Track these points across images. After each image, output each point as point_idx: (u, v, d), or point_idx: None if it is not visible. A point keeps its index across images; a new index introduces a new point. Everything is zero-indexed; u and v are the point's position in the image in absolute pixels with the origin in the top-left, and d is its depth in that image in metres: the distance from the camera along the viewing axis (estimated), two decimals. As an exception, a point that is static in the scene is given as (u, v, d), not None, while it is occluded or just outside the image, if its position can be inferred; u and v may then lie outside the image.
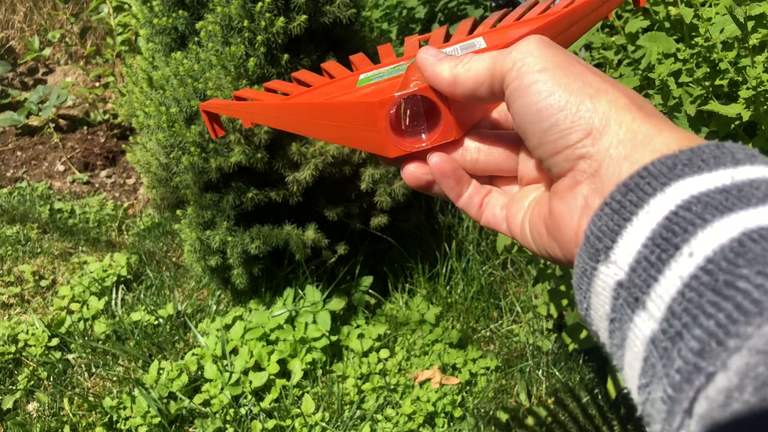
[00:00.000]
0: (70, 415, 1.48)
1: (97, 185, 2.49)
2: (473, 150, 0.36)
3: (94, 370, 1.61)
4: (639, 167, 0.25)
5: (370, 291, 1.73)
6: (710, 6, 1.10)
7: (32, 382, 1.57)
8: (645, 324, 0.23)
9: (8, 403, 1.51)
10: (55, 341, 1.67)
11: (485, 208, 0.36)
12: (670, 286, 0.22)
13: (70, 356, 1.65)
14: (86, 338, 1.70)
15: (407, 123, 0.35)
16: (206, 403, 1.47)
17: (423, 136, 0.35)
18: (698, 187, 0.24)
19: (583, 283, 0.27)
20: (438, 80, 0.33)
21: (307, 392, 1.50)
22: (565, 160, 0.29)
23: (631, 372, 0.24)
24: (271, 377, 1.50)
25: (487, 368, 1.55)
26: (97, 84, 2.92)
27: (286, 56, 1.40)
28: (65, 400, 1.51)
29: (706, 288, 0.21)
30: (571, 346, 1.46)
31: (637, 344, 0.23)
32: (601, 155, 0.27)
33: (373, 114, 0.35)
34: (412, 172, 0.36)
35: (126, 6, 2.59)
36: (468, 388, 1.51)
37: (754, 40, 0.94)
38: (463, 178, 0.36)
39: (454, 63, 0.33)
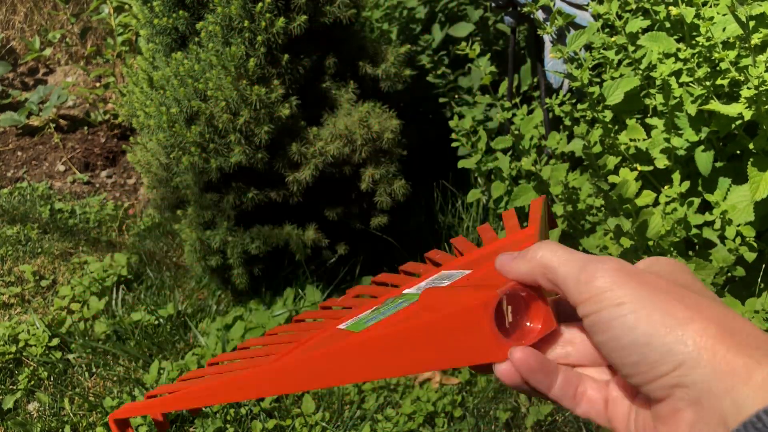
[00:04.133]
0: (71, 414, 1.48)
1: (97, 185, 2.49)
2: (567, 342, 0.35)
3: (94, 370, 1.61)
4: (751, 414, 0.26)
5: (371, 291, 1.72)
6: (711, 6, 1.10)
7: (33, 382, 1.57)
8: None
9: (9, 403, 1.51)
10: (55, 341, 1.67)
11: (580, 399, 0.35)
12: None
13: (70, 356, 1.65)
14: (86, 338, 1.70)
15: (510, 321, 0.34)
16: (206, 403, 1.47)
17: (524, 330, 0.34)
18: None
19: None
20: (527, 272, 0.33)
21: (307, 392, 1.50)
22: (660, 388, 0.29)
23: None
24: (272, 377, 1.50)
25: (488, 368, 1.55)
26: (98, 84, 2.92)
27: (286, 56, 1.40)
28: (66, 400, 1.51)
29: None
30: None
31: None
32: (698, 387, 0.27)
33: (476, 319, 0.33)
34: (507, 369, 0.34)
35: (126, 6, 2.59)
36: (468, 388, 1.51)
37: (755, 39, 0.94)
38: (551, 370, 0.34)
39: (526, 256, 0.33)
